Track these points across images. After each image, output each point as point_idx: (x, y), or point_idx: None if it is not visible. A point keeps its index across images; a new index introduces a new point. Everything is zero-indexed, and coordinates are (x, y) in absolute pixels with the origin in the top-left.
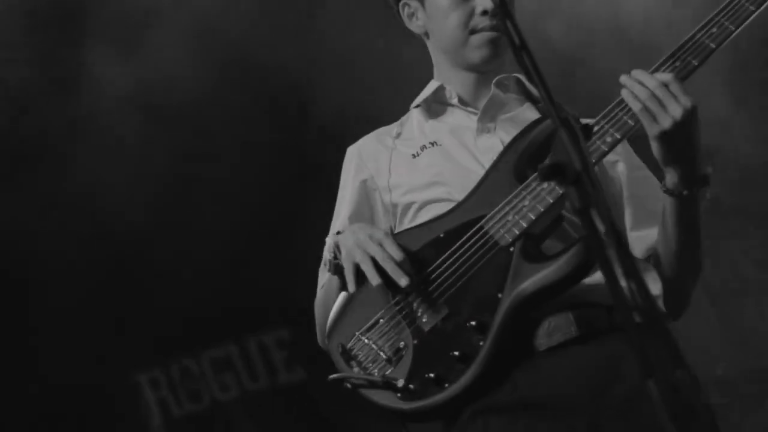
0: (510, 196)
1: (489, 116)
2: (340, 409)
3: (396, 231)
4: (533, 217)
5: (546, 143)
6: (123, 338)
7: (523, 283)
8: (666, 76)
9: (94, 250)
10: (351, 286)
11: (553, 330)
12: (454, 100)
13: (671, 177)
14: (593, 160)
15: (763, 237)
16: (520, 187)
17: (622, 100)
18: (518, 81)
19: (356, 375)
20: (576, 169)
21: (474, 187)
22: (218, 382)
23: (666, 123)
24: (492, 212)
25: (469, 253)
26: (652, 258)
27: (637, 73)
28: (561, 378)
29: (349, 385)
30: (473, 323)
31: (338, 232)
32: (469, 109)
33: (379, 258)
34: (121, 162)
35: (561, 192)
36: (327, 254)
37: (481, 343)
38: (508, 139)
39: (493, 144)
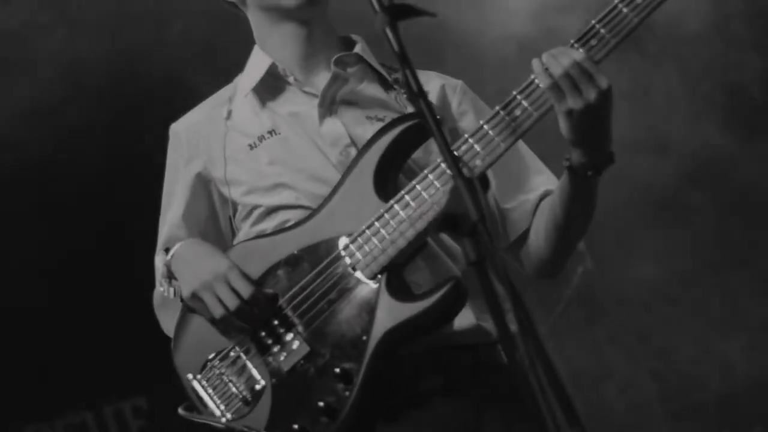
0: (372, 219)
1: (329, 98)
2: None
3: (239, 234)
4: (398, 248)
5: (404, 148)
6: None
7: (391, 324)
8: (579, 54)
9: None
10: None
11: (419, 376)
12: (291, 78)
13: (577, 156)
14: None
15: None
16: (383, 209)
17: (533, 80)
18: (358, 58)
19: (213, 420)
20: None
21: (329, 194)
22: None
23: (578, 104)
24: (353, 236)
25: (329, 283)
26: (535, 227)
27: (553, 50)
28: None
29: (200, 421)
30: (337, 371)
31: (166, 249)
32: (307, 89)
33: (230, 306)
34: None
35: (427, 221)
36: (162, 280)
37: (347, 394)
38: (350, 122)
39: (337, 132)
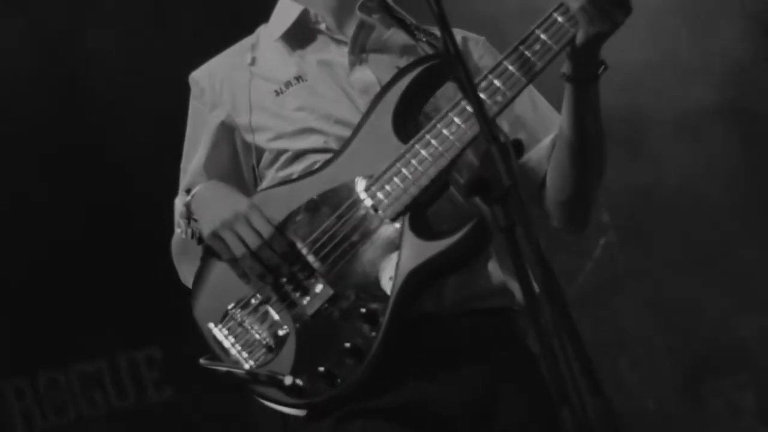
0: (393, 160)
1: (359, 45)
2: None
3: (263, 182)
4: (420, 187)
5: (424, 90)
6: None
7: (416, 263)
8: None
9: None
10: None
11: (444, 336)
12: (323, 26)
13: (579, 65)
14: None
15: None
16: (403, 149)
17: (560, 5)
18: (381, 3)
19: (237, 368)
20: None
21: (348, 138)
22: (86, 398)
23: (606, 26)
24: (373, 178)
25: (351, 226)
26: (552, 166)
27: None
28: (447, 392)
29: (222, 369)
30: (363, 311)
31: (188, 190)
32: (338, 37)
33: (251, 244)
34: None
35: (449, 159)
36: (180, 220)
37: (373, 334)
38: (381, 70)
39: (367, 80)
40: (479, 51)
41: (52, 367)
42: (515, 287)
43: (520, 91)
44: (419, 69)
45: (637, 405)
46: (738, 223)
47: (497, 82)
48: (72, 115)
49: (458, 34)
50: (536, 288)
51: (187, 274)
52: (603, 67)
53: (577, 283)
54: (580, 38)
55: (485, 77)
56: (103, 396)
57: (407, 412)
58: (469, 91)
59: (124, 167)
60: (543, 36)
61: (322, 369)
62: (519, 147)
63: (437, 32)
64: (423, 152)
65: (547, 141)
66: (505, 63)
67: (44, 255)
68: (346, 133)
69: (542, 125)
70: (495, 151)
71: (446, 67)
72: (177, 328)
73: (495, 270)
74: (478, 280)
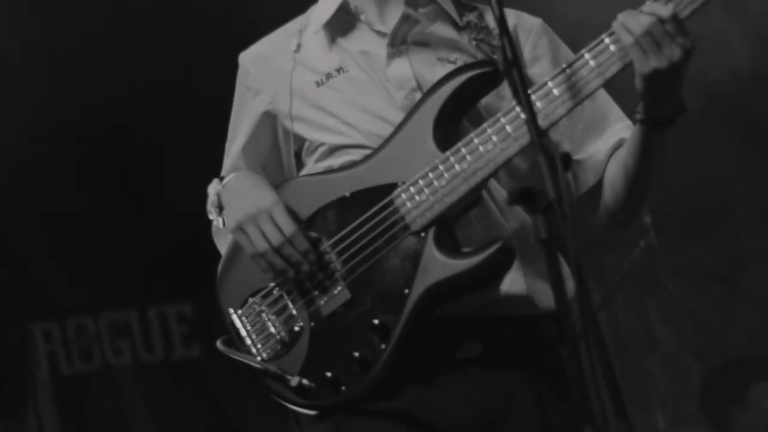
0: (427, 170)
1: (399, 38)
2: (233, 393)
3: (304, 169)
4: (449, 203)
5: (469, 97)
6: (22, 283)
7: (434, 280)
8: (665, 11)
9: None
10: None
11: (458, 343)
12: (362, 16)
13: (651, 110)
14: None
15: None
16: (438, 160)
17: (612, 32)
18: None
19: (249, 359)
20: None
21: (387, 138)
22: (113, 346)
23: (661, 63)
24: (405, 185)
25: (377, 231)
26: (607, 177)
27: (639, 9)
28: (454, 401)
29: (235, 357)
30: (376, 322)
31: (221, 178)
32: (377, 28)
33: (273, 241)
34: None
35: (481, 178)
36: (211, 209)
37: (383, 347)
38: (420, 64)
39: (403, 74)
40: (532, 41)
41: (83, 313)
42: (544, 294)
43: (558, 120)
44: (467, 75)
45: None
46: None
47: (539, 104)
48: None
49: (511, 16)
50: (570, 302)
51: (224, 249)
52: (679, 110)
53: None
54: (637, 76)
55: (543, 84)
56: (131, 346)
57: (411, 416)
58: (523, 101)
59: (159, 128)
60: (592, 62)
61: (329, 374)
62: (567, 160)
63: (488, 20)
64: (457, 167)
65: (604, 147)
66: (550, 84)
67: (84, 206)
68: (382, 129)
69: (600, 117)
70: (542, 162)
71: (496, 75)
72: (210, 288)
73: (517, 278)
74: (498, 287)
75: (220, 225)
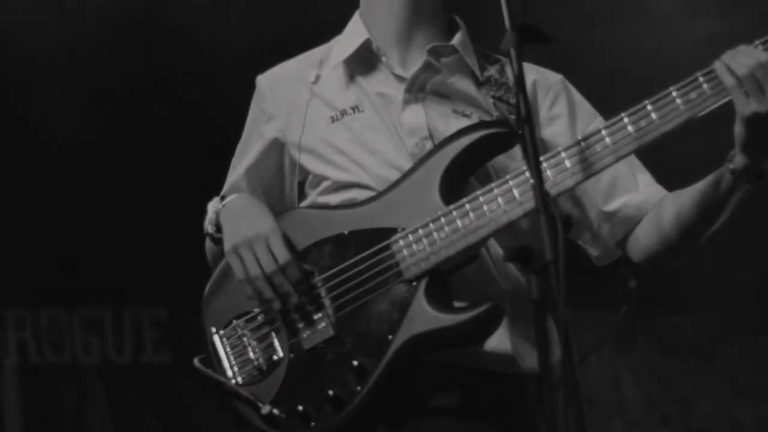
0: (428, 220)
1: (418, 85)
2: (198, 403)
3: (306, 201)
4: (445, 256)
5: (481, 154)
6: None
7: (418, 330)
8: (765, 56)
9: None
10: (253, 299)
11: (433, 390)
12: (383, 58)
13: (743, 159)
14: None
15: None
16: (441, 212)
17: (712, 71)
18: (454, 50)
19: (223, 380)
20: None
21: (393, 183)
22: (83, 342)
23: (763, 107)
24: (404, 232)
25: (369, 273)
26: (653, 218)
27: (740, 48)
28: None
29: (211, 376)
30: (355, 363)
31: (222, 197)
32: (397, 72)
33: (266, 268)
34: None
35: (481, 236)
36: (208, 227)
37: (358, 389)
38: (434, 114)
39: (416, 122)
40: (550, 99)
41: (57, 305)
42: (528, 356)
43: (578, 184)
44: (482, 133)
45: None
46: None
47: (549, 173)
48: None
49: (531, 72)
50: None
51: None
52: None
53: (593, 343)
54: (737, 120)
55: (557, 154)
56: (101, 345)
57: None
58: (533, 166)
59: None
60: (608, 140)
61: (300, 408)
62: (568, 222)
63: (509, 75)
64: (458, 222)
65: (640, 198)
66: (563, 155)
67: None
68: (389, 173)
69: (629, 171)
70: (543, 222)
71: (510, 137)
72: (187, 297)
73: (504, 338)
74: (483, 343)
75: (215, 244)
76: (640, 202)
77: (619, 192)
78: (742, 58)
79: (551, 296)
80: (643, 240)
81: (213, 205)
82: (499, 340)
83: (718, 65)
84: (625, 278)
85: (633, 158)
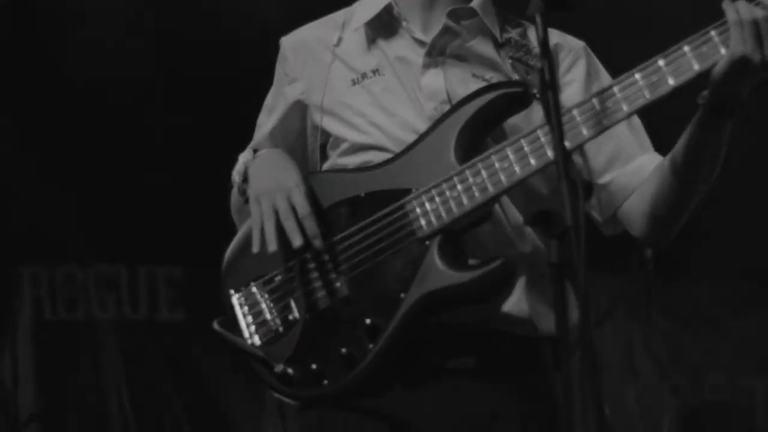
0: (441, 180)
1: (438, 49)
2: (214, 362)
3: (327, 163)
4: (457, 214)
5: (497, 115)
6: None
7: (429, 288)
8: None
9: None
10: (255, 245)
11: (450, 352)
12: (404, 23)
13: (717, 93)
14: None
15: None
16: (453, 171)
17: (724, 22)
18: (474, 12)
19: (239, 341)
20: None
21: (411, 144)
22: (98, 299)
23: (756, 56)
24: (418, 192)
25: (383, 233)
26: (652, 188)
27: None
28: (439, 409)
29: (228, 337)
30: (368, 321)
31: (254, 150)
32: (418, 36)
33: (282, 214)
34: None
35: (493, 194)
36: (236, 176)
37: (370, 347)
38: (453, 78)
39: (436, 86)
40: (568, 62)
41: (73, 262)
42: (545, 319)
43: (595, 135)
44: (495, 93)
45: None
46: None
47: (579, 119)
48: None
49: (554, 36)
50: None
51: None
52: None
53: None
54: (724, 59)
55: (568, 111)
56: (116, 301)
57: (394, 418)
58: (555, 123)
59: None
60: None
61: (314, 366)
62: (589, 189)
63: (531, 38)
64: (470, 180)
65: (637, 165)
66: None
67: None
68: (407, 135)
69: (637, 144)
70: (564, 188)
71: (524, 97)
72: (203, 257)
73: (521, 300)
74: (500, 305)
75: (240, 194)
76: (636, 171)
77: (619, 163)
78: (751, 7)
79: (570, 260)
80: (635, 212)
81: (244, 156)
82: (516, 303)
83: (726, 3)
84: (641, 246)
85: (642, 133)
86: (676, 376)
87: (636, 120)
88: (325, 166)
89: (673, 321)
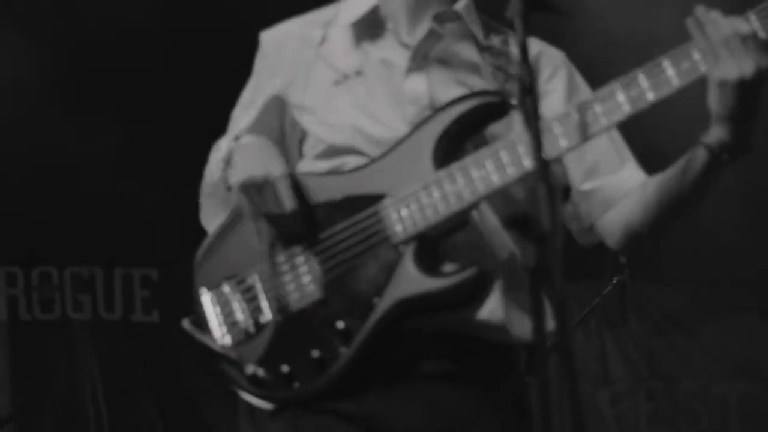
0: (417, 186)
1: (422, 53)
2: (188, 362)
3: (303, 161)
4: (433, 222)
5: (476, 122)
6: None
7: (404, 294)
8: (746, 28)
9: None
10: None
11: (425, 357)
12: (389, 25)
13: (718, 134)
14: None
15: None
16: (430, 179)
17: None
18: (457, 15)
19: (210, 341)
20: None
21: (388, 150)
22: (74, 300)
23: (732, 72)
24: (393, 198)
25: (358, 237)
26: (634, 206)
27: (715, 14)
28: (413, 414)
29: (198, 338)
30: (340, 325)
31: (237, 137)
32: (404, 40)
33: (269, 210)
34: None
35: (468, 202)
36: (220, 162)
37: (342, 351)
38: (436, 82)
39: (418, 91)
40: (550, 70)
41: (49, 263)
42: (521, 325)
43: (576, 146)
44: (474, 102)
45: None
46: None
47: (557, 131)
48: None
49: (535, 45)
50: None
51: (207, 217)
52: (744, 149)
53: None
54: (710, 86)
55: (549, 122)
56: (92, 302)
57: (367, 422)
58: (533, 128)
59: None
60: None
61: (285, 368)
62: (567, 192)
63: (512, 47)
64: (447, 187)
65: (617, 179)
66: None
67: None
68: (386, 139)
69: (617, 154)
70: (542, 191)
71: (503, 107)
72: (179, 258)
73: (497, 307)
74: (475, 311)
75: (222, 181)
76: (617, 185)
77: (600, 173)
78: (720, 25)
79: (547, 265)
80: (613, 225)
81: (226, 143)
82: (491, 309)
83: (690, 22)
84: (615, 254)
85: (621, 143)
86: (650, 381)
87: (615, 131)
88: (302, 167)
89: (647, 327)
